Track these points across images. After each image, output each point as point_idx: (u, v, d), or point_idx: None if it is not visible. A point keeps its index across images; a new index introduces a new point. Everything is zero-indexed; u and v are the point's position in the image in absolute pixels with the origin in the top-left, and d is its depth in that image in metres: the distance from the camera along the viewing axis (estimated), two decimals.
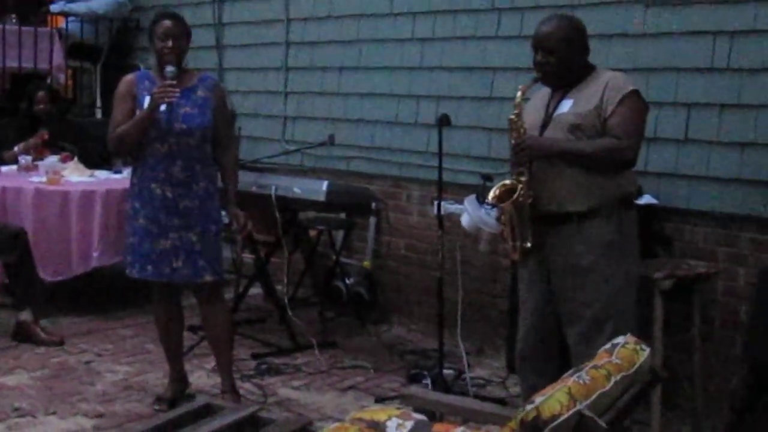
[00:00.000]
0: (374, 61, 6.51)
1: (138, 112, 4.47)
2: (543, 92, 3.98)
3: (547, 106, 3.92)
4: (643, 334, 3.78)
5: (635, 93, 3.78)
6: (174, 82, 4.39)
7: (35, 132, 7.13)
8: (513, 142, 3.83)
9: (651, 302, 4.31)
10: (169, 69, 4.42)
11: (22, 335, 5.70)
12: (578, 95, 3.83)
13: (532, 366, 4.00)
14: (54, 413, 4.64)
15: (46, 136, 7.05)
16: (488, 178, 5.14)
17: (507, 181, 3.85)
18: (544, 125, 3.88)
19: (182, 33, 4.52)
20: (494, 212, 4.21)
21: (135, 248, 4.54)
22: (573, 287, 3.80)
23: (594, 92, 3.79)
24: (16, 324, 5.75)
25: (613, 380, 2.47)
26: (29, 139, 7.00)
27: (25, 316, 5.72)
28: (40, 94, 7.18)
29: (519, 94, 3.86)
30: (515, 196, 3.77)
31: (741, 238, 4.71)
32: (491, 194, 3.87)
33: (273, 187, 5.47)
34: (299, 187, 5.48)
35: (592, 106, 3.75)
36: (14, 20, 8.07)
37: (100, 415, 4.63)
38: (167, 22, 4.49)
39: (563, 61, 3.82)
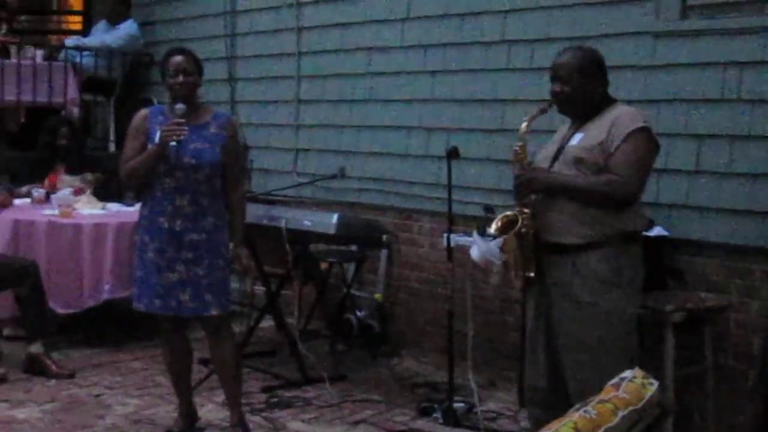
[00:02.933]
0: (385, 94, 6.54)
1: (149, 146, 4.49)
2: (565, 125, 3.99)
3: (563, 138, 3.93)
4: (654, 367, 3.76)
5: (643, 130, 3.75)
6: (183, 120, 4.41)
7: (52, 165, 7.16)
8: (515, 173, 3.84)
9: (662, 335, 4.28)
10: (179, 107, 4.44)
11: (33, 368, 5.70)
12: (589, 129, 3.83)
13: (541, 400, 3.97)
14: None
15: (63, 174, 7.07)
16: (490, 210, 5.12)
17: (509, 213, 3.85)
18: (555, 157, 3.88)
19: (193, 68, 4.54)
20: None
21: (143, 281, 4.55)
22: (570, 321, 3.78)
23: (603, 126, 3.78)
24: (26, 356, 5.75)
25: (620, 415, 2.45)
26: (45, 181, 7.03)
27: (36, 348, 5.72)
28: (63, 129, 7.25)
29: (524, 125, 3.88)
30: (517, 227, 3.77)
31: (753, 270, 4.67)
32: (494, 225, 3.87)
33: (284, 220, 5.49)
34: (310, 220, 5.49)
35: (597, 141, 3.74)
36: (30, 55, 8.13)
37: None
38: (177, 58, 4.52)
39: (577, 91, 3.83)
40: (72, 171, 7.14)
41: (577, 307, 3.74)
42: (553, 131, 4.12)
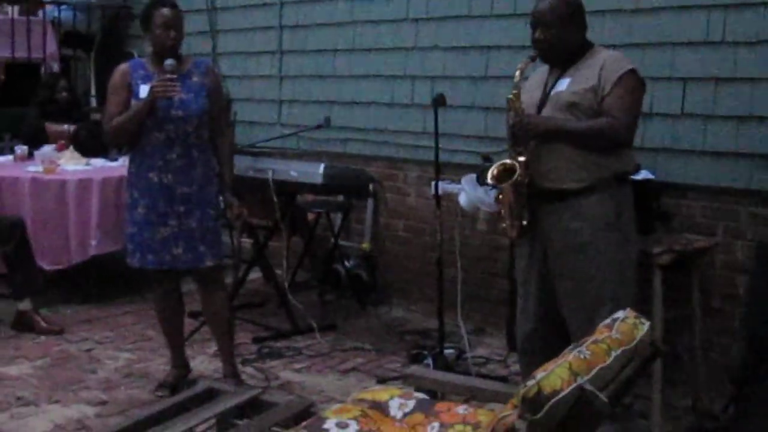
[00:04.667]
0: (369, 43, 6.50)
1: (133, 102, 4.44)
2: (541, 70, 3.97)
3: (545, 84, 3.91)
4: (643, 309, 3.79)
5: (633, 72, 3.76)
6: (174, 76, 4.34)
7: (56, 120, 7.12)
8: (511, 121, 3.83)
9: (650, 277, 4.31)
10: (169, 62, 4.36)
11: (23, 325, 5.71)
12: (576, 74, 3.81)
13: (532, 346, 4.00)
14: (57, 402, 4.64)
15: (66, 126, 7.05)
16: (488, 159, 5.13)
17: (507, 161, 3.83)
18: (542, 104, 3.87)
19: (181, 21, 4.47)
20: (492, 191, 4.20)
21: (135, 237, 4.53)
22: (571, 265, 3.80)
23: (592, 71, 3.77)
24: (16, 314, 5.75)
25: (613, 355, 2.47)
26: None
27: (25, 305, 5.73)
28: (62, 82, 7.23)
29: (518, 73, 3.84)
30: (515, 177, 3.76)
31: (739, 211, 4.71)
32: (490, 174, 3.86)
33: (270, 171, 5.47)
34: (296, 171, 5.47)
35: (589, 85, 3.74)
36: (7, 10, 8.05)
37: (103, 403, 4.64)
38: (167, 11, 4.41)
39: (561, 37, 3.81)
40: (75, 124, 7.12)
41: (578, 249, 3.76)
42: None
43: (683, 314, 4.63)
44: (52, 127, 7.00)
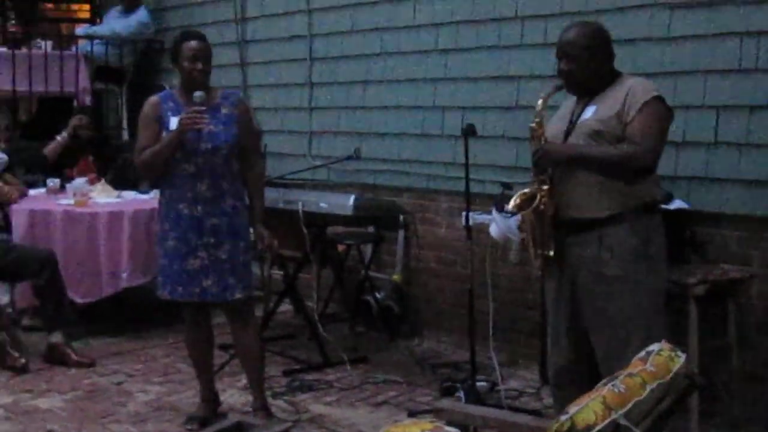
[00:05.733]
0: (398, 74, 6.50)
1: (164, 134, 4.46)
2: (570, 101, 3.95)
3: (572, 113, 3.89)
4: (678, 341, 3.73)
5: (658, 99, 3.72)
6: (204, 108, 4.37)
7: (80, 155, 7.17)
8: (532, 149, 3.81)
9: (685, 308, 4.25)
10: (198, 94, 4.39)
11: (54, 357, 5.72)
12: (601, 102, 3.79)
13: (565, 380, 3.93)
14: None
15: (91, 160, 7.06)
16: (508, 187, 5.10)
17: (527, 189, 3.81)
18: (568, 133, 3.85)
19: (209, 53, 4.51)
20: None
21: (165, 269, 4.54)
22: (599, 297, 3.74)
23: (616, 98, 3.74)
24: (47, 346, 5.77)
25: (648, 388, 2.42)
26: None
27: (56, 338, 5.74)
28: (84, 120, 7.28)
29: (540, 102, 3.84)
30: (535, 203, 3.73)
31: None
32: (512, 202, 3.83)
33: (300, 203, 5.47)
34: (326, 202, 5.47)
35: (613, 112, 3.70)
36: (40, 44, 8.13)
37: None
38: (195, 43, 4.46)
39: (586, 68, 3.79)
40: (101, 159, 7.15)
41: (606, 281, 3.70)
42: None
43: (719, 346, 4.55)
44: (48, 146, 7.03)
